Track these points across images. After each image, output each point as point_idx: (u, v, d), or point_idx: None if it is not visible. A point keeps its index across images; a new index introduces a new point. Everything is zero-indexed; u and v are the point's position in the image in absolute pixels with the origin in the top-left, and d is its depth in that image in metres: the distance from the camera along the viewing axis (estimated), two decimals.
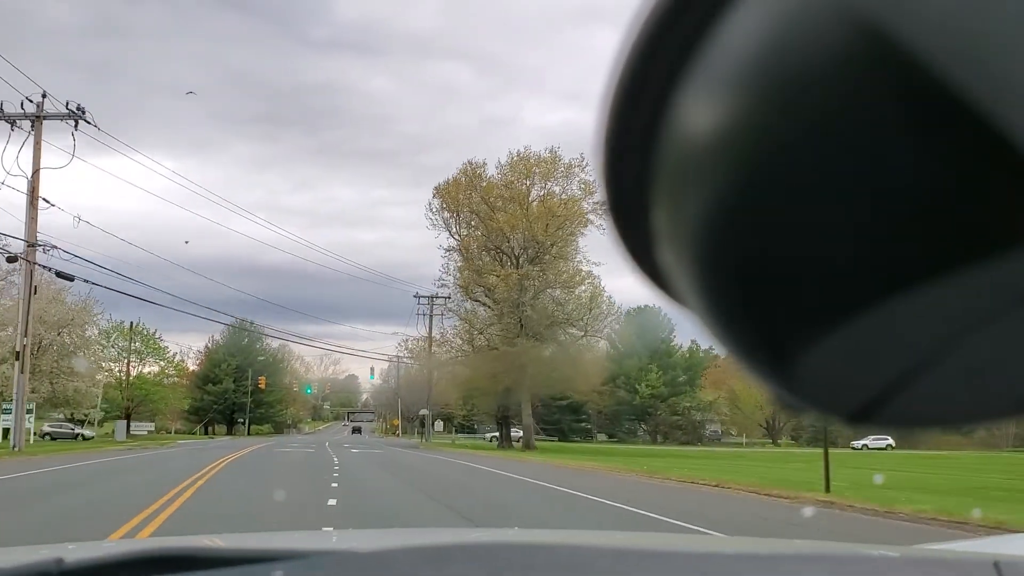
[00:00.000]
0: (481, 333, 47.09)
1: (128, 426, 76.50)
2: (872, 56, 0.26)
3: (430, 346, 60.01)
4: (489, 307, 48.21)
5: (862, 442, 62.32)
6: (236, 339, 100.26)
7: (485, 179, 49.12)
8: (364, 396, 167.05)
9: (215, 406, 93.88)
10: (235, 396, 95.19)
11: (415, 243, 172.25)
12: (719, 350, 0.37)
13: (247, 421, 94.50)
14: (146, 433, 76.30)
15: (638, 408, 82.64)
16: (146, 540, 2.29)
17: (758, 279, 0.33)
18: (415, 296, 61.38)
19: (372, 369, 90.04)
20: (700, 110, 0.31)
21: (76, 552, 1.08)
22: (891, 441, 62.69)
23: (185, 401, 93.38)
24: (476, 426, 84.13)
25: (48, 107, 32.33)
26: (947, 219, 0.28)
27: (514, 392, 48.78)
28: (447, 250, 51.88)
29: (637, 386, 79.41)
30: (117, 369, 75.16)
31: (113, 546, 1.33)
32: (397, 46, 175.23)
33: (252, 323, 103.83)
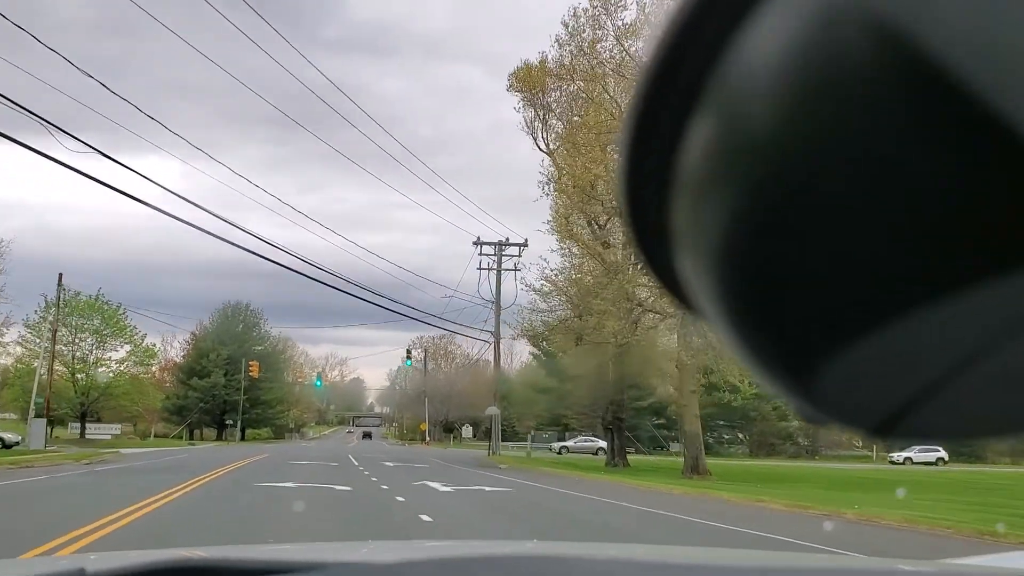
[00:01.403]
0: (592, 299, 29.46)
1: (83, 428, 59.64)
2: (895, 64, 0.26)
3: (498, 314, 42.19)
4: (599, 256, 30.53)
5: (903, 455, 53.93)
6: (228, 325, 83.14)
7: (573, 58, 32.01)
8: (370, 400, 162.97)
9: (201, 405, 76.46)
10: (226, 393, 77.79)
11: (424, 246, 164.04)
12: (740, 362, 0.36)
13: (240, 423, 76.98)
14: (109, 437, 59.36)
15: (737, 412, 65.04)
16: (168, 551, 1.42)
17: (779, 290, 0.32)
18: (475, 243, 43.29)
19: (408, 353, 71.47)
20: (722, 118, 0.31)
21: (98, 562, 1.07)
22: (943, 454, 54.55)
23: (165, 399, 76.30)
24: (520, 431, 66.99)
25: None
26: (974, 227, 0.27)
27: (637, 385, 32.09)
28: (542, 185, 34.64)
29: (740, 384, 61.90)
30: (70, 354, 57.80)
31: (136, 556, 1.26)
32: (409, 47, 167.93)
33: (248, 305, 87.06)
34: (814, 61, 0.27)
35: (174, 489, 15.29)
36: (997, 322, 0.30)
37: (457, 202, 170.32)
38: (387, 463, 29.80)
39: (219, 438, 79.26)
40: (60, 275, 39.20)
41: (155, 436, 72.28)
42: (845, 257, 0.30)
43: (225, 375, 77.67)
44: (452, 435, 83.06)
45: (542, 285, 33.32)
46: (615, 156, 0.35)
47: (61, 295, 39.39)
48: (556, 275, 32.60)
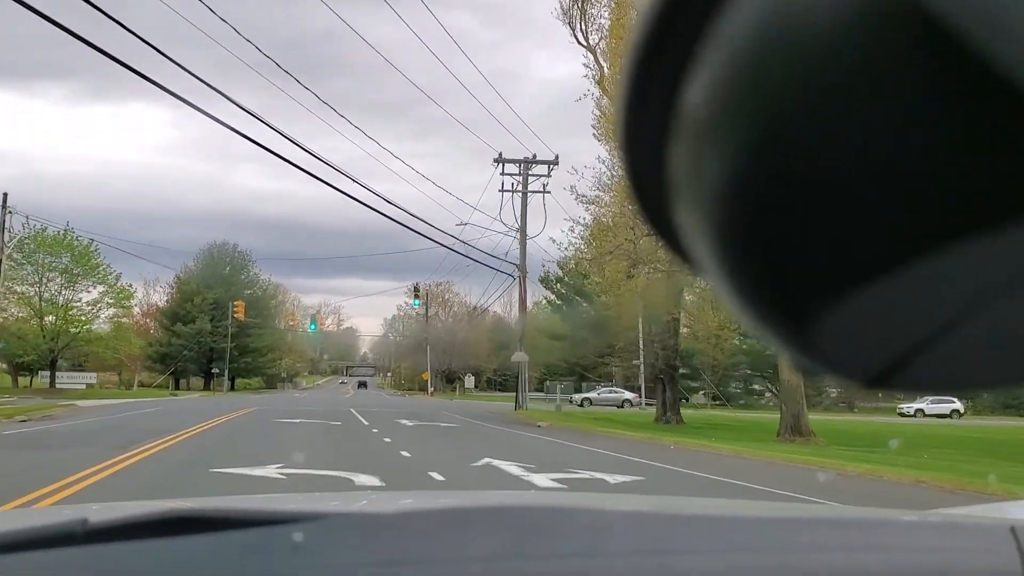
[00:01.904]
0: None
1: (52, 377, 54.10)
2: (895, 14, 0.26)
3: (524, 243, 35.91)
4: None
5: (915, 406, 49.83)
6: (215, 267, 77.28)
7: None
8: (363, 350, 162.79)
9: (186, 352, 70.99)
10: (212, 340, 72.24)
11: (416, 197, 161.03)
12: (735, 310, 0.36)
13: (228, 372, 71.44)
14: (84, 387, 54.02)
15: (764, 361, 59.90)
16: (168, 502, 1.74)
17: (776, 243, 0.32)
18: (496, 161, 36.41)
19: (416, 290, 65.48)
20: (731, 60, 0.30)
21: (100, 512, 1.10)
22: (958, 406, 50.33)
23: (148, 346, 70.76)
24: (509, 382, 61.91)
25: None
26: (972, 180, 0.28)
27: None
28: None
29: None
30: (37, 295, 51.95)
31: (136, 507, 1.33)
32: None
33: (236, 246, 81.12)
34: (812, 12, 0.27)
35: (72, 479, 9.57)
36: (991, 278, 0.31)
37: (455, 153, 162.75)
38: (403, 422, 24.27)
39: (206, 388, 74.05)
40: (4, 195, 32.94)
41: (140, 386, 66.94)
42: (843, 211, 0.30)
43: (211, 320, 72.05)
44: (454, 385, 77.97)
45: (596, 196, 27.59)
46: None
47: (6, 220, 33.09)
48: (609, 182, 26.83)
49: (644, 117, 0.35)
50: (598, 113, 28.61)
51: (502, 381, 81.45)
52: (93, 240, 53.18)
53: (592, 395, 51.21)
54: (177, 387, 76.81)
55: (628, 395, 50.02)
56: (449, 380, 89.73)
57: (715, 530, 1.15)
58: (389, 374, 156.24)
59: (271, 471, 10.36)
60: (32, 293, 51.84)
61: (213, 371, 71.42)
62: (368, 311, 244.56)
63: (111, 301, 54.90)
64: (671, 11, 0.32)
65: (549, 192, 36.66)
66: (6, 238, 34.11)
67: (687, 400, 54.08)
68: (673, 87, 0.33)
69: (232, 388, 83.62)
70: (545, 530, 1.05)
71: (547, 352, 47.75)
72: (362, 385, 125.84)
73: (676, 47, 0.32)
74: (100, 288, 53.64)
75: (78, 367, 68.75)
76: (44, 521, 1.06)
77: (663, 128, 0.34)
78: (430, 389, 74.81)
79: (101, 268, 53.37)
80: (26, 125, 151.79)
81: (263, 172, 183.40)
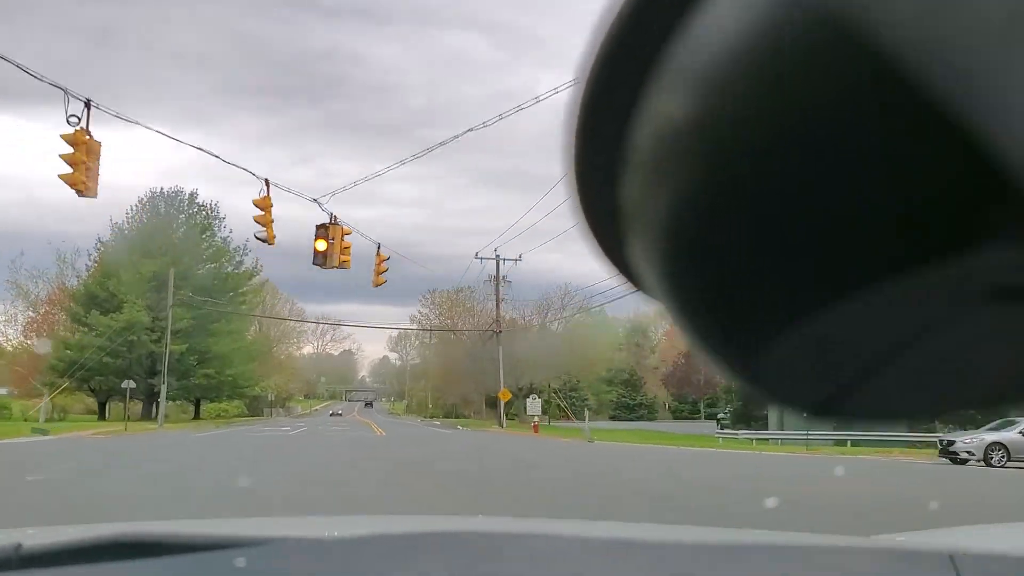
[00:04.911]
0: None
1: None
2: (839, 51, 0.26)
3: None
4: None
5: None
6: (161, 226, 50.32)
7: None
8: (361, 374, 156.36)
9: (109, 360, 43.79)
10: (153, 340, 45.10)
11: (413, 222, 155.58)
12: (686, 339, 0.37)
13: (163, 387, 42.12)
14: None
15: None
16: (106, 525, 1.32)
17: (724, 271, 0.33)
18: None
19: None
20: (675, 96, 0.31)
21: (36, 537, 1.08)
22: None
23: (51, 353, 43.92)
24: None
25: None
26: (915, 214, 0.28)
27: None
28: None
29: None
30: None
31: (73, 531, 1.27)
32: (405, 13, 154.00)
33: (194, 196, 53.94)
34: (766, 45, 0.27)
35: None
36: (935, 308, 0.31)
37: (452, 174, 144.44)
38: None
39: (146, 415, 47.02)
40: None
41: (26, 418, 40.11)
42: (787, 241, 0.30)
43: (151, 310, 45.10)
44: (509, 411, 51.06)
45: None
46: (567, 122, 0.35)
47: None
48: None
49: (596, 148, 0.35)
50: None
51: (629, 404, 55.31)
52: None
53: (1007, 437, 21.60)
54: (103, 415, 49.63)
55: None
56: (492, 405, 63.81)
57: (659, 555, 1.14)
58: (393, 398, 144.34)
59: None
60: None
61: (155, 390, 43.99)
62: (368, 336, 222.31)
63: None
64: (621, 47, 0.32)
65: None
66: None
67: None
68: (624, 119, 0.33)
69: (197, 415, 56.52)
70: (490, 555, 1.06)
71: None
72: (368, 404, 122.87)
73: (627, 81, 0.32)
74: None
75: None
76: None
77: (613, 160, 0.34)
78: (502, 419, 47.19)
79: None
80: (27, 149, 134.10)
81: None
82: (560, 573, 1.03)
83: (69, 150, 12.36)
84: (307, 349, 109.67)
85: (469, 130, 19.24)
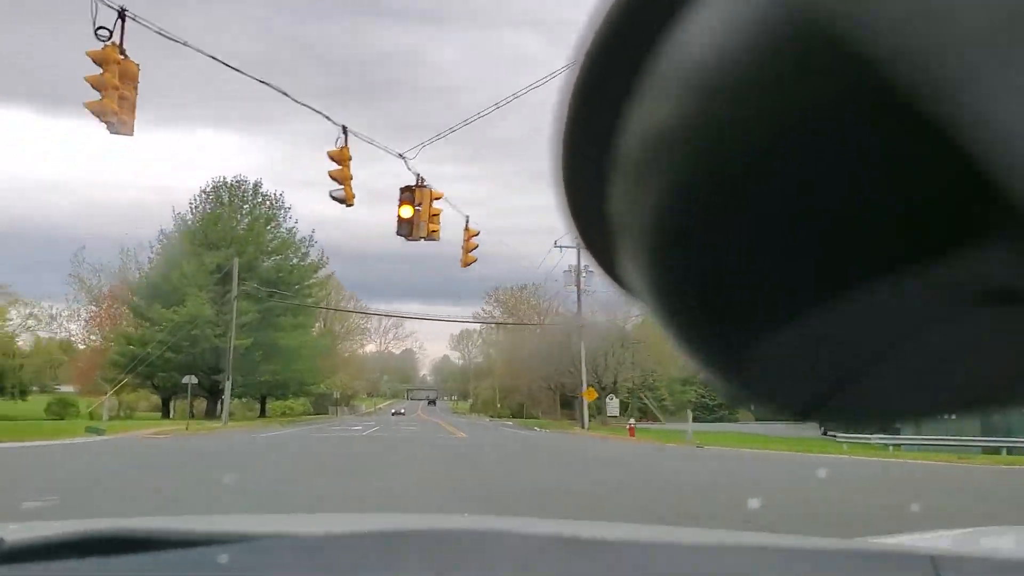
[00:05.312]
0: None
1: None
2: (831, 53, 0.26)
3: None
4: None
5: None
6: (225, 217, 48.46)
7: None
8: (422, 373, 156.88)
9: (172, 355, 41.88)
10: (217, 335, 43.11)
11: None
12: (672, 342, 0.38)
13: (229, 381, 39.65)
14: None
15: None
16: (91, 521, 1.31)
17: (707, 276, 0.33)
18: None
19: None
20: (664, 105, 0.31)
21: (18, 532, 1.08)
22: None
23: (109, 346, 42.28)
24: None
25: None
26: (901, 217, 0.28)
27: None
28: None
29: None
30: None
31: (57, 527, 1.24)
32: (467, 14, 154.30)
33: (258, 185, 51.93)
34: (746, 55, 0.28)
35: None
36: (921, 311, 0.31)
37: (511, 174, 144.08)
38: None
39: (212, 413, 45.10)
40: None
41: (85, 414, 38.42)
42: (773, 244, 0.30)
43: (215, 303, 43.12)
44: (585, 410, 47.74)
45: None
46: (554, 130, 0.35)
47: None
48: None
49: (584, 154, 0.35)
50: None
51: (708, 404, 51.64)
52: None
53: None
54: (167, 413, 47.94)
55: None
56: (566, 404, 60.50)
57: (639, 557, 1.16)
58: (455, 397, 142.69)
59: None
60: None
61: (220, 386, 41.90)
62: (429, 335, 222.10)
63: None
64: (610, 53, 0.32)
65: None
66: None
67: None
68: (613, 124, 0.33)
69: (262, 414, 54.62)
70: (473, 554, 1.07)
71: None
72: (431, 402, 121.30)
73: (616, 86, 0.32)
74: None
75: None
76: None
77: (602, 163, 0.34)
78: (584, 420, 43.87)
79: None
80: (87, 153, 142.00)
81: (324, 198, 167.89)
82: (542, 572, 1.04)
83: (96, 71, 9.51)
84: (370, 347, 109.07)
85: (495, 106, 16.44)
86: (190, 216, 49.19)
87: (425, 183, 14.62)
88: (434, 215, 14.66)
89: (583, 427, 43.22)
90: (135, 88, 9.82)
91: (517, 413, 79.54)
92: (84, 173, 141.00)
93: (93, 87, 9.46)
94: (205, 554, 0.94)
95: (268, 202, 50.49)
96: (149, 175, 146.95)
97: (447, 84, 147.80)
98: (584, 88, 0.34)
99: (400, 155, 15.24)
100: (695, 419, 36.32)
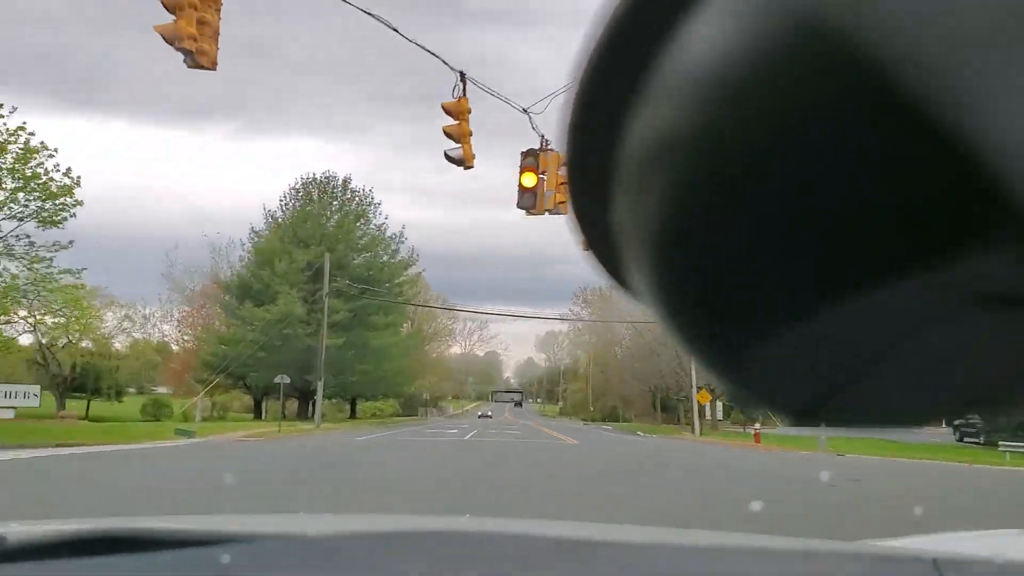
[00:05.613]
0: None
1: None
2: (833, 55, 0.26)
3: None
4: None
5: None
6: (314, 212, 47.51)
7: None
8: (506, 375, 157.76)
9: (263, 355, 40.89)
10: (308, 333, 42.01)
11: (557, 227, 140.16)
12: (675, 343, 0.38)
13: (321, 387, 38.40)
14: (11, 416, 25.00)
15: None
16: (91, 520, 1.30)
17: (709, 277, 0.33)
18: None
19: None
20: (667, 108, 0.31)
21: (20, 531, 1.09)
22: None
23: (201, 346, 41.67)
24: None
25: None
26: (901, 217, 0.28)
27: None
28: None
29: None
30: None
31: (58, 525, 1.26)
32: (551, 14, 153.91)
33: (347, 181, 50.82)
34: (748, 58, 0.28)
35: None
36: (919, 313, 0.31)
37: None
38: None
39: (302, 415, 44.13)
40: None
41: (170, 416, 37.78)
42: (773, 244, 0.30)
43: (306, 301, 42.06)
44: (696, 414, 44.72)
45: None
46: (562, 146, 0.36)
47: None
48: None
49: (587, 170, 0.36)
50: None
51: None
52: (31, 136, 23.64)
53: None
54: (259, 414, 47.25)
55: None
56: (664, 407, 57.56)
57: (640, 558, 1.17)
58: (540, 399, 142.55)
59: None
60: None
61: (311, 387, 40.69)
62: (514, 337, 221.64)
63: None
64: (612, 60, 0.33)
65: None
66: None
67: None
68: (615, 128, 0.33)
69: (353, 415, 53.59)
70: (476, 555, 1.08)
71: None
72: (517, 404, 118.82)
73: (619, 90, 0.33)
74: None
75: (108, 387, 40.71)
76: None
77: (604, 179, 0.35)
78: (695, 425, 40.95)
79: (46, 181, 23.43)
80: (193, 162, 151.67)
81: (410, 201, 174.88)
82: (546, 574, 1.04)
83: None
84: (454, 350, 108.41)
85: (553, 94, 14.25)
86: (280, 214, 48.48)
87: (551, 146, 12.42)
88: (562, 184, 12.43)
89: (693, 432, 40.35)
90: (217, 12, 7.90)
91: (609, 416, 76.98)
92: (179, 180, 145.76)
93: (166, 8, 7.57)
94: (206, 554, 0.95)
95: (357, 198, 49.37)
96: (242, 181, 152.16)
97: (536, 86, 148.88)
98: (587, 97, 0.34)
99: (524, 110, 13.10)
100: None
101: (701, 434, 39.15)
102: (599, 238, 0.38)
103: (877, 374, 0.35)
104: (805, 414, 0.38)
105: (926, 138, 0.26)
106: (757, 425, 32.53)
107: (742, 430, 41.75)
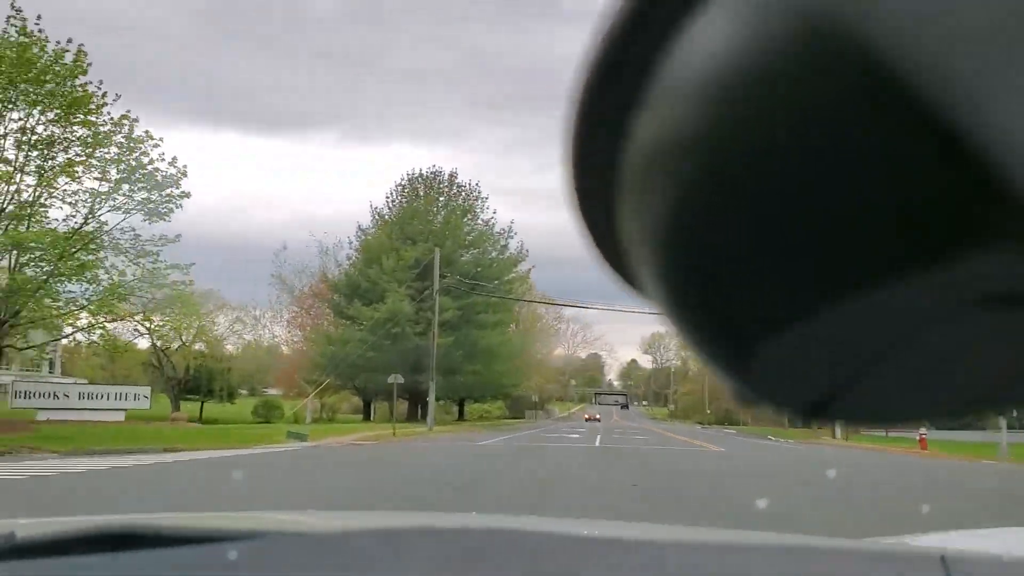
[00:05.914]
0: None
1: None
2: (837, 57, 0.26)
3: None
4: None
5: None
6: (421, 208, 46.17)
7: None
8: (608, 378, 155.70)
9: (372, 355, 39.60)
10: (417, 332, 40.60)
11: None
12: (681, 340, 0.38)
13: (433, 387, 36.56)
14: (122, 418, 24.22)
15: None
16: (99, 517, 1.33)
17: (715, 276, 0.33)
18: None
19: None
20: (670, 109, 0.31)
21: (29, 527, 1.10)
22: None
23: (310, 346, 40.79)
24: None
25: None
26: (901, 217, 0.28)
27: None
28: None
29: None
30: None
31: (65, 522, 1.26)
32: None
33: (453, 176, 49.30)
34: (754, 59, 0.28)
35: None
36: (925, 312, 0.31)
37: None
38: None
39: (412, 416, 42.69)
40: None
41: (329, 415, 36.85)
42: (774, 244, 0.31)
43: (414, 300, 40.59)
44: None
45: None
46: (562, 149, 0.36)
47: None
48: None
49: (591, 172, 0.36)
50: None
51: None
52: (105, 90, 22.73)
53: None
54: (368, 415, 46.20)
55: None
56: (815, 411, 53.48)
57: (652, 556, 1.17)
58: (646, 402, 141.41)
59: None
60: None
61: (421, 387, 39.15)
62: (618, 338, 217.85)
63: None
64: (615, 62, 0.32)
65: None
66: None
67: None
68: (617, 131, 0.34)
69: (461, 416, 52.05)
70: (483, 552, 1.08)
71: None
72: (624, 407, 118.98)
73: (623, 93, 0.33)
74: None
75: (207, 386, 40.43)
76: None
77: (608, 182, 0.35)
78: (835, 428, 37.37)
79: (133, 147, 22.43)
80: (300, 170, 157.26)
81: (510, 203, 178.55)
82: (551, 571, 1.05)
83: None
84: (558, 351, 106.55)
85: None
86: (387, 211, 47.39)
87: None
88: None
89: (835, 436, 36.77)
90: None
91: (724, 419, 73.37)
92: (290, 188, 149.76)
93: None
94: (214, 550, 0.95)
95: (463, 193, 47.78)
96: (346, 188, 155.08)
97: None
98: (591, 97, 0.34)
99: None
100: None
101: (846, 439, 35.51)
102: (604, 237, 0.38)
103: (878, 374, 0.35)
104: (807, 413, 0.38)
105: (926, 138, 0.26)
106: (923, 430, 28.78)
107: (885, 434, 37.81)
